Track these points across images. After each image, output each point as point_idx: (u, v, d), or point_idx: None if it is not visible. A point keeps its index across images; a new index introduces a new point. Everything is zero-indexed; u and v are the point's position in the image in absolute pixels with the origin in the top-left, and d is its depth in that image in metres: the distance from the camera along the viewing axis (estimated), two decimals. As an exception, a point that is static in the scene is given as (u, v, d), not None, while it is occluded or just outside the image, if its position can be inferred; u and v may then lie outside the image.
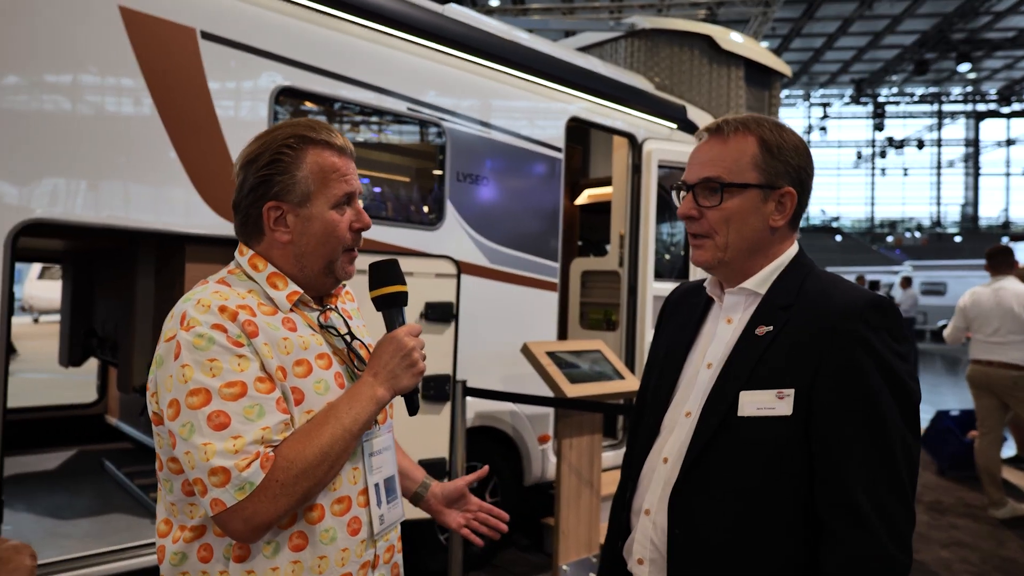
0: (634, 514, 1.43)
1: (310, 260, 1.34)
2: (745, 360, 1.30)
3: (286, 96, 3.30)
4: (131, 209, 2.83)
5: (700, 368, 1.38)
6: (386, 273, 1.43)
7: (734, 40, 5.81)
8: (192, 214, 2.99)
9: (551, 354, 3.87)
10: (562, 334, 5.30)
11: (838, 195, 41.82)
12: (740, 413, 1.27)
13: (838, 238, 37.31)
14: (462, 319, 3.64)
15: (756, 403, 1.26)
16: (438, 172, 3.89)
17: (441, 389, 3.48)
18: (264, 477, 1.17)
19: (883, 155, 35.55)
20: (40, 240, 4.14)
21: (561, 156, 4.43)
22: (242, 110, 3.15)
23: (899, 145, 33.87)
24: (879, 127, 31.35)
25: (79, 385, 6.86)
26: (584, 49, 5.70)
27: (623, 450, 4.90)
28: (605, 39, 5.69)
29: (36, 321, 18.12)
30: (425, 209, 3.95)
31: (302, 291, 1.34)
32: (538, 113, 4.34)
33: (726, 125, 1.37)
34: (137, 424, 4.50)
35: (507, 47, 4.10)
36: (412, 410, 1.42)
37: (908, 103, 32.34)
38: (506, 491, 4.27)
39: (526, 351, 3.84)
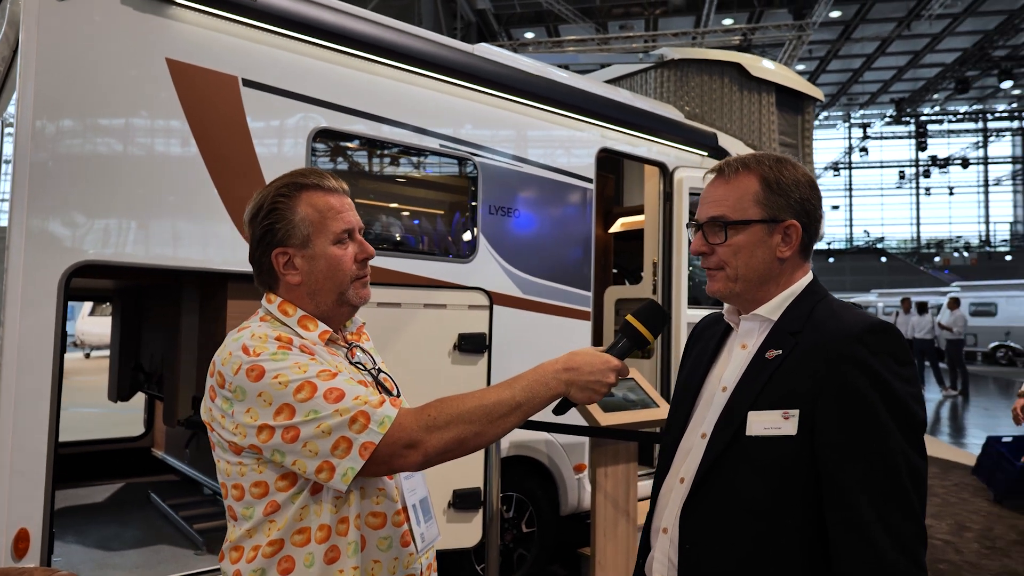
0: (653, 533, 1.50)
1: (322, 296, 1.45)
2: (755, 382, 1.36)
3: (323, 137, 3.42)
4: (177, 248, 2.95)
5: (716, 391, 1.45)
6: (654, 319, 1.55)
7: (764, 67, 5.82)
8: (234, 252, 3.10)
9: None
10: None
11: (882, 216, 41.02)
12: (748, 432, 1.33)
13: (883, 259, 36.50)
14: (495, 350, 3.68)
15: (763, 423, 1.32)
16: (471, 205, 3.96)
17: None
18: (413, 410, 1.30)
19: (927, 174, 34.83)
20: (91, 280, 4.33)
21: (592, 187, 4.48)
22: (281, 150, 3.28)
23: (943, 164, 33.16)
24: (922, 146, 30.75)
25: (128, 420, 7.06)
26: (613, 81, 5.77)
27: (661, 480, 4.87)
28: (635, 70, 5.76)
29: (87, 356, 18.69)
30: (458, 242, 4.02)
31: (331, 330, 1.45)
32: (568, 145, 4.41)
33: (728, 166, 1.47)
34: (182, 457, 4.62)
35: (535, 82, 4.19)
36: (559, 412, 1.52)
37: (951, 121, 31.71)
38: (542, 521, 4.26)
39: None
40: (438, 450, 1.30)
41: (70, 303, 2.97)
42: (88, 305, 17.38)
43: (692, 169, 4.98)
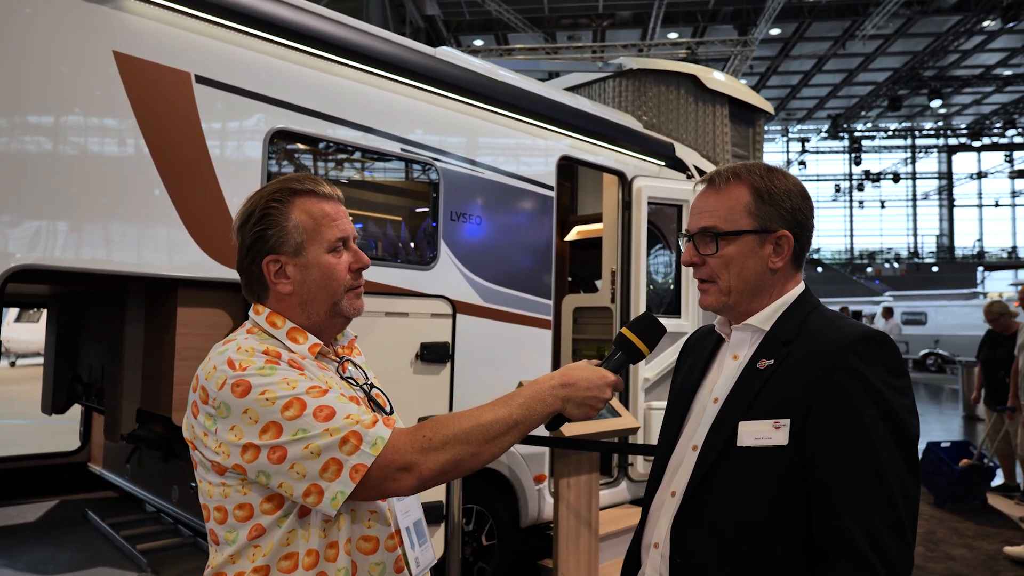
0: (644, 548, 1.47)
1: (314, 306, 1.38)
2: (746, 392, 1.34)
3: (280, 138, 3.29)
4: (123, 253, 2.79)
5: (708, 403, 1.43)
6: (650, 330, 1.50)
7: (718, 79, 5.91)
8: (185, 257, 2.95)
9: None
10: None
11: (818, 227, 42.25)
12: (739, 443, 1.31)
13: (819, 269, 37.73)
14: (456, 359, 3.60)
15: (754, 433, 1.30)
16: (432, 211, 3.88)
17: (437, 431, 3.42)
18: (407, 430, 1.24)
19: (860, 188, 36.22)
20: (26, 285, 4.07)
21: (553, 194, 4.45)
22: (236, 152, 3.14)
23: (876, 178, 34.54)
24: (856, 161, 31.98)
25: (61, 432, 6.69)
26: (573, 89, 5.78)
27: (618, 488, 4.86)
28: (594, 79, 5.77)
29: (13, 365, 17.75)
30: (419, 249, 3.93)
31: (322, 343, 1.37)
32: (530, 152, 4.37)
33: (719, 176, 1.46)
34: (122, 472, 4.38)
35: (499, 88, 4.14)
36: (552, 428, 1.46)
37: (883, 138, 33.07)
38: (503, 533, 4.19)
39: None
40: (434, 473, 1.23)
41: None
42: (13, 311, 16.52)
43: (651, 178, 5.01)
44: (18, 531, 3.95)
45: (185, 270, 2.95)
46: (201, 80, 3.02)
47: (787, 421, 1.27)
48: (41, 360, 4.93)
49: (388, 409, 1.47)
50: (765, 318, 1.41)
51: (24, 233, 2.55)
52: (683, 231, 1.50)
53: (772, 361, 1.34)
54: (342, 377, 1.39)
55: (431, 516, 3.42)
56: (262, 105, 3.19)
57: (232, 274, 3.07)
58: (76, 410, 5.06)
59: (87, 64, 2.71)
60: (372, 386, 1.47)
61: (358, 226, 3.86)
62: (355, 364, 1.47)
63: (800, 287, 1.45)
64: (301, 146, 3.49)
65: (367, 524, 1.32)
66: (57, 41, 2.63)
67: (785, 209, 1.40)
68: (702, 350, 1.56)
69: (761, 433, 1.29)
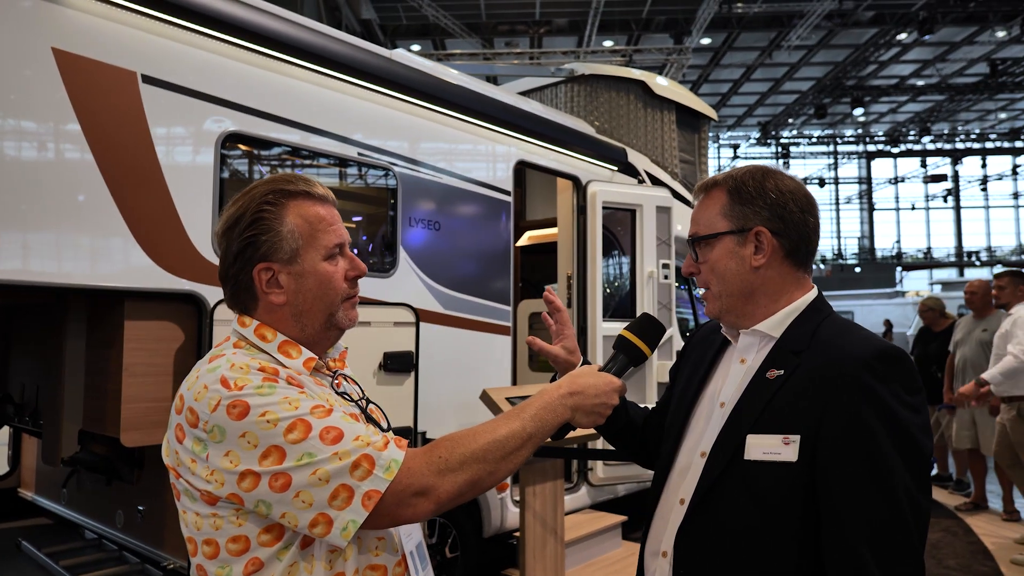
0: (650, 555, 1.43)
1: (310, 318, 1.28)
2: (755, 403, 1.31)
3: (233, 142, 3.16)
4: (61, 263, 2.61)
5: (714, 407, 1.40)
6: (650, 332, 1.49)
7: (665, 85, 6.00)
8: (132, 267, 2.78)
9: (510, 399, 3.79)
10: (514, 378, 5.22)
11: (747, 231, 43.51)
12: (746, 456, 1.28)
13: (749, 272, 38.79)
14: (419, 368, 3.52)
15: (762, 447, 1.27)
16: (390, 217, 3.79)
17: (402, 443, 3.33)
18: (421, 451, 1.16)
19: (787, 192, 37.39)
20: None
21: (510, 199, 4.42)
22: (187, 156, 2.99)
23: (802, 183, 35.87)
24: (785, 166, 33.16)
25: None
26: (525, 93, 5.76)
27: (578, 493, 4.85)
28: (545, 84, 5.78)
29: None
30: (378, 256, 3.83)
31: (317, 357, 1.28)
32: (487, 157, 4.33)
33: (703, 187, 1.48)
34: (59, 497, 4.11)
35: (457, 92, 4.08)
36: (558, 437, 1.41)
37: (807, 144, 34.36)
38: (466, 545, 4.11)
39: (485, 397, 3.74)
40: (451, 496, 1.15)
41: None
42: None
43: (605, 183, 5.03)
44: (-58, 565, 3.65)
45: (132, 281, 2.79)
46: (148, 80, 2.87)
47: (797, 437, 1.24)
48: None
49: (385, 425, 1.39)
50: (775, 324, 1.38)
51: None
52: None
53: (782, 372, 1.31)
54: (337, 392, 1.30)
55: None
56: (214, 107, 3.05)
57: (183, 284, 2.92)
58: (4, 432, 4.73)
59: (23, 62, 2.53)
60: (368, 401, 1.38)
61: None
62: (348, 378, 1.39)
63: (812, 294, 1.42)
64: (255, 150, 3.36)
65: (375, 552, 1.23)
66: (-9, 36, 2.44)
67: (759, 205, 1.38)
68: (707, 347, 1.53)
69: (770, 448, 1.26)
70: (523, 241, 6.26)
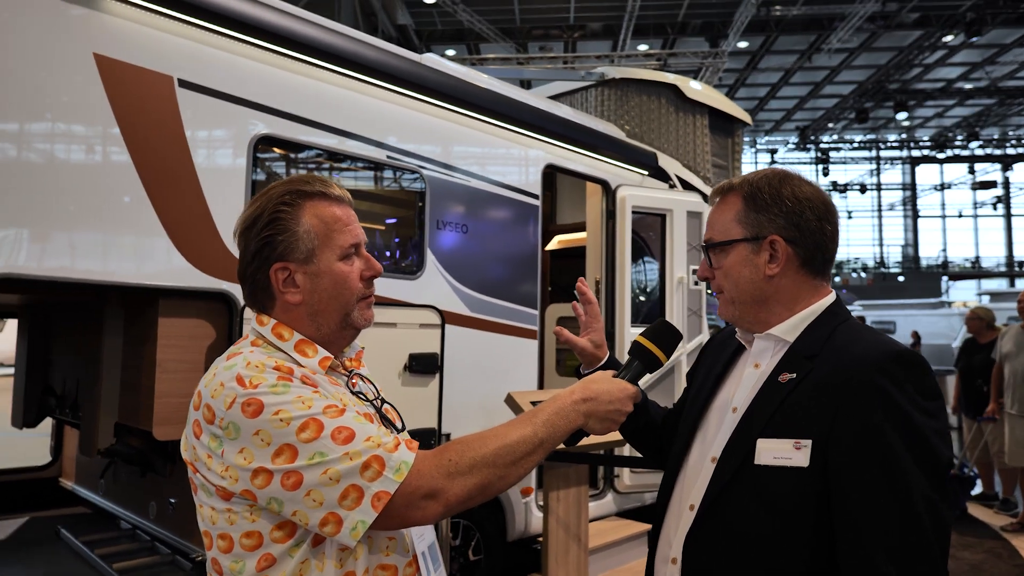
0: (660, 562, 1.42)
1: (325, 317, 1.30)
2: (766, 407, 1.30)
3: (265, 144, 3.23)
4: (101, 262, 2.70)
5: (727, 412, 1.39)
6: (666, 338, 1.49)
7: (698, 89, 5.96)
8: (167, 266, 2.86)
9: (535, 403, 3.79)
10: (540, 382, 5.23)
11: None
12: (757, 461, 1.27)
13: (787, 279, 38.09)
14: (444, 370, 3.55)
15: (773, 452, 1.25)
16: (418, 220, 3.83)
17: (427, 444, 3.37)
18: (431, 454, 1.17)
19: (827, 198, 36.71)
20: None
21: (538, 203, 4.43)
22: (220, 159, 3.07)
23: (843, 189, 35.20)
24: (824, 172, 32.57)
25: (30, 446, 6.47)
26: (555, 97, 5.78)
27: (604, 500, 4.83)
28: (576, 88, 5.78)
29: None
30: (405, 258, 3.88)
31: (332, 357, 1.30)
32: (516, 160, 4.35)
33: (719, 190, 1.47)
34: (96, 488, 4.24)
35: (486, 96, 4.11)
36: (571, 444, 1.42)
37: (849, 149, 33.71)
38: (489, 548, 4.13)
39: (510, 401, 3.75)
40: (460, 499, 1.17)
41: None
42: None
43: (634, 188, 5.02)
44: (-14, 551, 3.79)
45: (167, 279, 2.87)
46: (184, 84, 2.95)
47: (808, 442, 1.22)
48: (9, 371, 4.76)
49: (399, 425, 1.41)
50: (789, 329, 1.37)
51: (1, 241, 2.45)
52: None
53: (794, 375, 1.29)
54: (352, 392, 1.32)
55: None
56: (247, 110, 3.12)
57: (216, 283, 2.99)
58: (47, 423, 4.89)
59: (67, 67, 2.63)
60: (383, 401, 1.40)
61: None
62: (364, 378, 1.41)
63: (829, 298, 1.40)
64: (286, 152, 3.43)
65: (385, 552, 1.25)
66: (36, 43, 2.54)
67: (774, 213, 1.36)
68: (722, 352, 1.52)
69: (780, 452, 1.25)
70: (552, 245, 6.26)
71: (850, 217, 37.97)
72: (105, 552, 3.58)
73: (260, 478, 1.11)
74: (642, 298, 5.20)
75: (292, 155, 3.47)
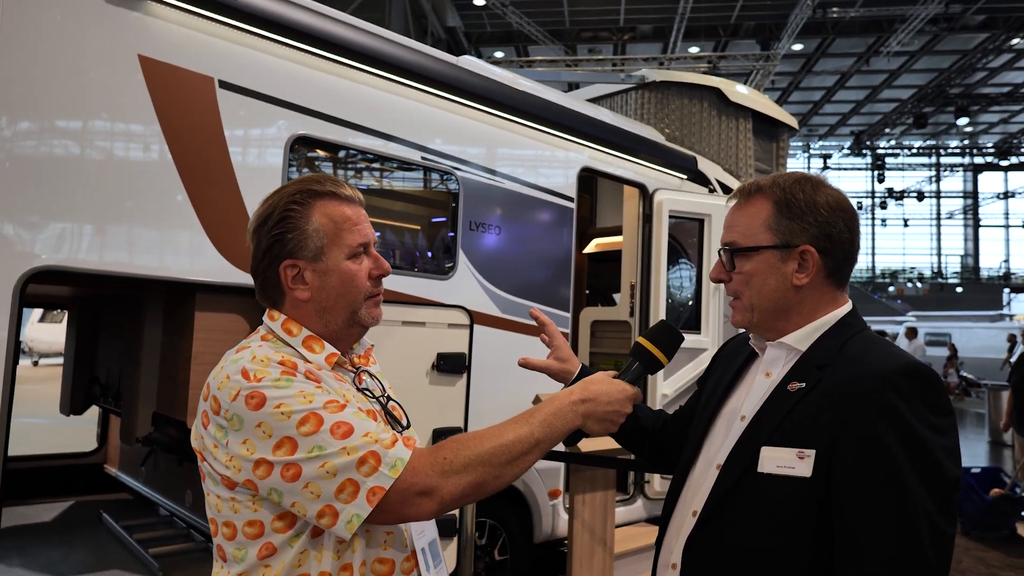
0: (662, 567, 1.41)
1: (333, 314, 1.32)
2: (772, 415, 1.28)
3: (301, 144, 3.30)
4: (141, 256, 2.79)
5: (735, 420, 1.37)
6: (668, 340, 1.48)
7: (742, 92, 5.87)
8: (204, 262, 2.94)
9: (563, 406, 3.78)
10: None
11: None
12: (760, 469, 1.25)
13: (839, 287, 37.14)
14: (475, 370, 3.57)
15: (776, 460, 1.24)
16: (451, 221, 3.86)
17: (452, 442, 3.39)
18: (427, 451, 1.19)
19: (883, 206, 35.83)
20: (47, 287, 4.10)
21: (573, 205, 4.42)
22: (258, 158, 3.14)
23: (899, 196, 34.18)
24: (880, 178, 31.67)
25: (79, 432, 6.74)
26: (595, 100, 5.75)
27: (634, 505, 4.79)
28: (616, 90, 5.75)
29: (36, 364, 17.98)
30: (437, 258, 3.91)
31: (339, 353, 1.32)
32: (550, 163, 4.35)
33: (742, 191, 1.42)
34: (137, 475, 4.39)
35: (520, 98, 4.12)
36: (570, 444, 1.43)
37: (907, 155, 32.73)
38: (515, 548, 4.13)
39: (538, 402, 3.75)
40: (455, 497, 1.18)
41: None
42: (38, 311, 16.74)
43: (672, 192, 4.97)
44: (33, 531, 3.96)
45: (204, 275, 2.95)
46: (224, 85, 3.03)
47: (812, 452, 1.20)
48: (62, 360, 4.99)
49: (405, 423, 1.42)
50: (802, 338, 1.34)
51: (47, 235, 2.56)
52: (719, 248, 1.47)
53: (803, 384, 1.27)
54: (358, 388, 1.34)
55: (443, 530, 3.38)
56: (284, 111, 3.19)
57: (250, 279, 3.06)
58: (95, 411, 5.09)
59: (113, 68, 2.73)
60: (389, 398, 1.42)
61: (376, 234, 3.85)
62: (371, 375, 1.43)
63: (845, 308, 1.37)
64: (321, 152, 3.49)
65: (383, 546, 1.27)
66: (83, 44, 2.64)
67: (808, 222, 1.32)
68: (734, 360, 1.50)
69: (784, 461, 1.23)
70: (590, 248, 6.24)
71: (906, 225, 36.85)
72: (143, 537, 3.71)
73: (261, 469, 1.14)
74: (679, 303, 5.14)
75: (327, 154, 3.53)
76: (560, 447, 3.31)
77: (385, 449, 1.15)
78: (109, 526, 4.02)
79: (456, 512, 3.39)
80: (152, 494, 4.16)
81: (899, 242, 39.04)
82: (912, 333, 15.81)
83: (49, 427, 8.99)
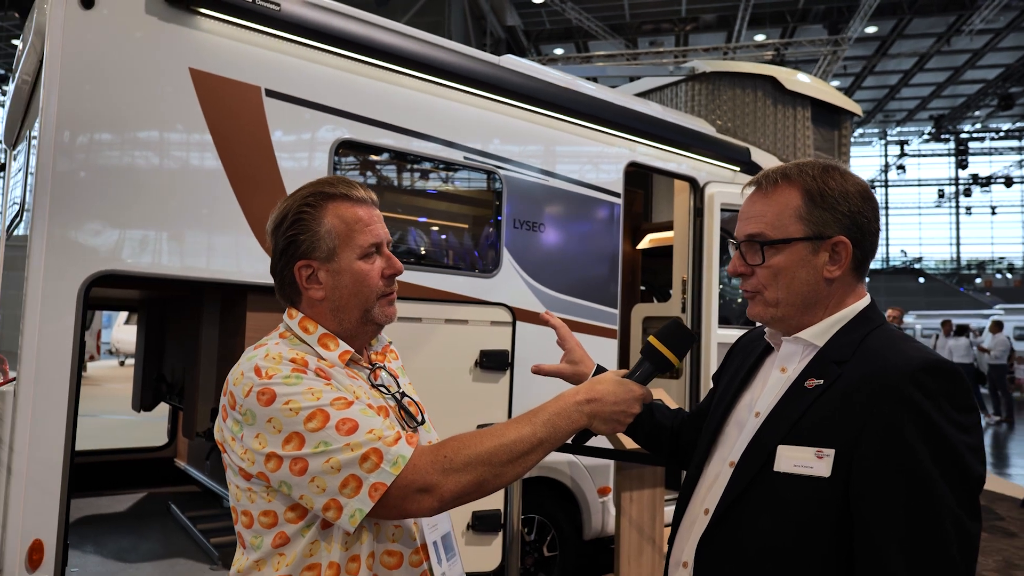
0: (674, 566, 1.39)
1: (346, 313, 1.37)
2: (789, 412, 1.24)
3: (345, 148, 3.39)
4: (196, 259, 2.93)
5: (749, 417, 1.34)
6: (678, 340, 1.46)
7: (799, 80, 5.69)
8: (253, 264, 3.06)
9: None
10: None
11: (920, 235, 40.16)
12: (776, 468, 1.22)
13: (921, 280, 35.65)
14: (518, 367, 3.59)
15: (794, 459, 1.20)
16: (495, 219, 3.89)
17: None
18: (428, 449, 1.22)
19: (968, 193, 34.03)
20: (114, 289, 4.34)
21: (620, 201, 4.38)
22: (303, 162, 3.24)
23: (985, 182, 32.37)
24: (962, 164, 30.09)
25: (158, 428, 7.09)
26: (644, 94, 5.69)
27: (689, 504, 4.72)
28: (665, 84, 5.66)
29: (122, 364, 18.99)
30: (482, 257, 3.95)
31: (353, 351, 1.36)
32: (595, 159, 4.32)
33: (766, 178, 1.34)
34: (203, 468, 4.60)
35: (562, 95, 4.11)
36: (578, 443, 1.44)
37: (993, 139, 30.99)
38: (565, 545, 4.14)
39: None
40: (454, 494, 1.20)
41: (107, 312, 2.94)
42: (123, 314, 17.69)
43: (724, 184, 4.86)
44: (107, 520, 4.21)
45: (254, 276, 3.06)
46: (271, 94, 3.14)
47: (831, 451, 1.16)
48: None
49: (420, 419, 1.44)
50: (819, 332, 1.29)
51: (107, 241, 2.72)
52: (731, 238, 1.40)
53: (821, 381, 1.23)
54: (373, 385, 1.38)
55: (488, 524, 3.42)
56: (328, 116, 3.28)
57: (298, 280, 3.17)
58: (165, 408, 5.36)
59: (166, 81, 2.87)
60: (404, 394, 1.44)
61: (418, 236, 3.91)
62: (387, 371, 1.46)
63: (864, 301, 1.32)
64: (364, 155, 3.58)
65: (391, 540, 1.30)
66: (140, 60, 2.79)
67: (842, 212, 1.27)
68: (748, 355, 1.46)
69: (801, 460, 1.19)
70: (644, 244, 6.17)
71: (993, 213, 34.87)
72: (205, 528, 3.89)
73: (272, 462, 1.19)
74: (731, 298, 5.03)
75: (371, 157, 3.62)
76: (606, 444, 3.25)
77: (387, 446, 1.18)
78: (176, 517, 4.23)
79: (501, 507, 3.42)
80: (216, 487, 4.35)
81: (986, 231, 36.98)
82: (997, 327, 14.96)
83: (131, 423, 9.50)
